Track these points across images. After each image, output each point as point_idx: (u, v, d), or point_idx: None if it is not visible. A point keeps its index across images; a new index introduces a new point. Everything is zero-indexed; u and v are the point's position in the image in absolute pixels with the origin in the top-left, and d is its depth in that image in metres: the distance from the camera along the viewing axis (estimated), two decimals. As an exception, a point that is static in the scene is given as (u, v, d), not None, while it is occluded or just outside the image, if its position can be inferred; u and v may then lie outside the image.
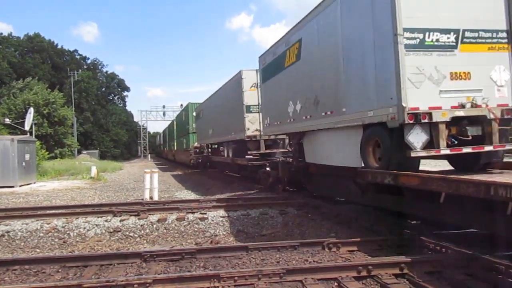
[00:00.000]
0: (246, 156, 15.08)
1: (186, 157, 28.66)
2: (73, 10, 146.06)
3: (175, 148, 37.03)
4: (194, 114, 26.15)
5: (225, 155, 18.12)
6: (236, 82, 15.07)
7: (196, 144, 25.23)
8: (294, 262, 5.44)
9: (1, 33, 56.24)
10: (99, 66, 73.27)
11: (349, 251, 5.81)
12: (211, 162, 22.99)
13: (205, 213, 8.74)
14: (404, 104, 5.41)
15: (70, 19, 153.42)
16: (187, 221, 8.15)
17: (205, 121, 22.31)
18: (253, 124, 13.94)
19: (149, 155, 72.63)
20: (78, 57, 67.59)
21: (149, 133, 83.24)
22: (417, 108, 5.49)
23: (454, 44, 5.70)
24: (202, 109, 23.36)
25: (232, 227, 7.88)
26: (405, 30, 5.45)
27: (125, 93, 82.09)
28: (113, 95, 79.23)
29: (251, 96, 14.02)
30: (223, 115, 17.43)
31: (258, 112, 13.48)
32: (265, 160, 13.55)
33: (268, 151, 14.36)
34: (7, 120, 27.51)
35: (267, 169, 12.42)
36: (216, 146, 21.88)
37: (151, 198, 12.02)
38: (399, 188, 5.93)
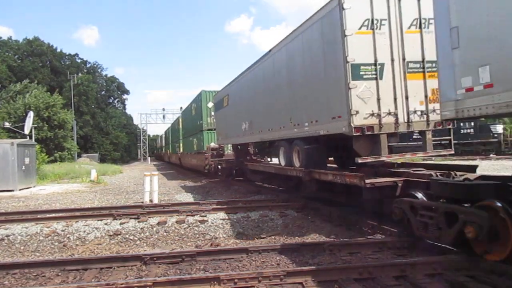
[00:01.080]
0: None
1: (198, 161, 21.90)
2: (73, 14, 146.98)
3: (181, 150, 30.90)
4: (210, 105, 20.58)
5: (282, 162, 10.58)
6: (325, 20, 7.71)
7: (212, 145, 19.53)
8: (294, 264, 5.43)
9: (1, 37, 56.48)
10: (99, 70, 73.49)
11: (349, 253, 5.80)
12: (243, 169, 15.81)
13: (205, 216, 8.74)
14: None
15: (71, 23, 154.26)
16: (187, 224, 8.14)
17: (233, 111, 15.02)
18: (366, 104, 7.04)
19: (149, 158, 72.73)
20: (79, 61, 67.74)
21: (149, 136, 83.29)
22: None
23: None
24: (227, 94, 15.74)
25: (232, 229, 7.87)
26: None
27: (125, 96, 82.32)
28: (112, 98, 79.39)
29: (361, 46, 7.05)
30: (280, 93, 10.12)
31: (376, 78, 7.07)
32: (413, 177, 6.58)
33: (396, 157, 7.89)
34: (7, 124, 27.53)
35: (420, 197, 5.96)
36: (242, 146, 15.76)
37: (151, 201, 12.01)
38: None
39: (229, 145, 18.81)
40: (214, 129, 19.95)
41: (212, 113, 20.33)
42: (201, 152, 21.21)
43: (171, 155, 41.90)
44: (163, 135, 55.63)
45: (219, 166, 18.57)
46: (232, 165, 17.01)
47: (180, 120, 31.87)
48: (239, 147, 16.16)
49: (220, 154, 18.99)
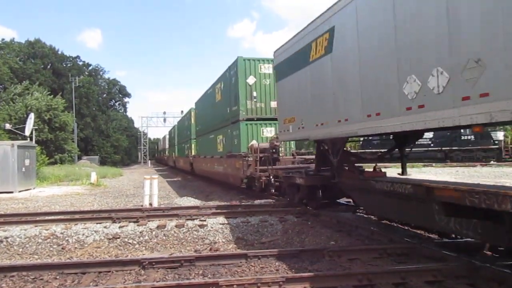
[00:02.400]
0: None
1: (229, 169, 15.29)
2: (77, 17, 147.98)
3: (193, 153, 23.67)
4: (251, 81, 14.14)
5: None
6: None
7: (254, 144, 12.91)
8: (293, 270, 5.40)
9: (3, 39, 56.69)
10: (101, 72, 73.74)
11: (349, 259, 5.77)
12: (353, 190, 8.13)
13: (205, 220, 8.71)
14: None
15: (75, 25, 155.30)
16: (187, 228, 8.11)
17: (358, 63, 6.52)
18: None
19: (149, 162, 72.82)
20: (80, 63, 67.96)
21: (149, 139, 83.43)
22: None
23: None
24: (327, 31, 7.52)
25: (231, 234, 7.84)
26: None
27: (126, 99, 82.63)
28: (114, 101, 79.64)
29: None
30: None
31: None
32: None
33: None
34: (8, 125, 27.57)
35: None
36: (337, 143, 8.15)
37: (150, 204, 11.98)
38: None
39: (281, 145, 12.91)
40: (256, 119, 14.13)
41: (255, 94, 14.05)
42: (233, 155, 14.50)
43: (177, 159, 33.85)
44: (167, 136, 49.42)
45: (272, 180, 11.62)
46: (317, 181, 9.37)
47: (193, 113, 24.44)
48: (339, 148, 8.21)
49: (274, 159, 12.08)
